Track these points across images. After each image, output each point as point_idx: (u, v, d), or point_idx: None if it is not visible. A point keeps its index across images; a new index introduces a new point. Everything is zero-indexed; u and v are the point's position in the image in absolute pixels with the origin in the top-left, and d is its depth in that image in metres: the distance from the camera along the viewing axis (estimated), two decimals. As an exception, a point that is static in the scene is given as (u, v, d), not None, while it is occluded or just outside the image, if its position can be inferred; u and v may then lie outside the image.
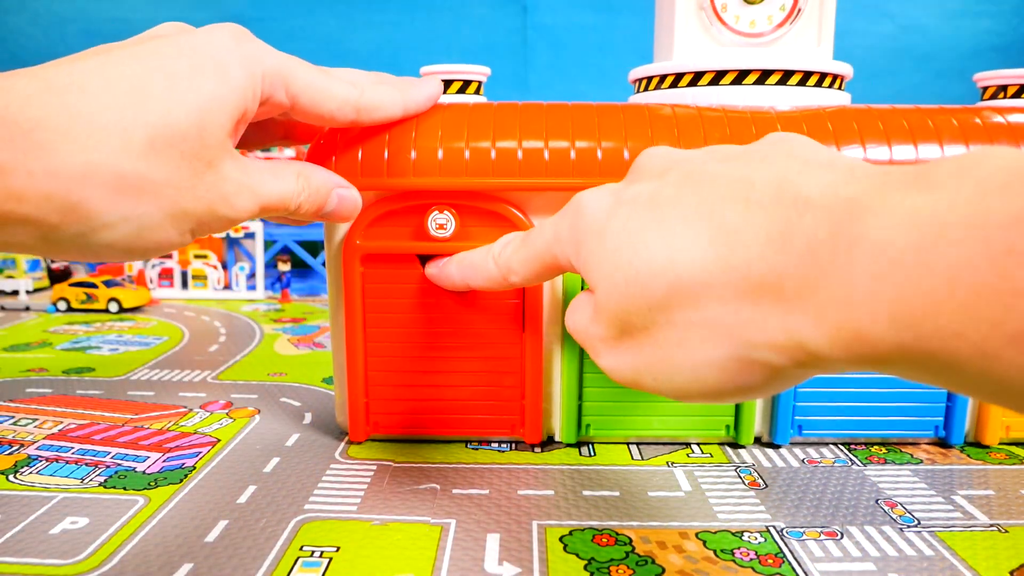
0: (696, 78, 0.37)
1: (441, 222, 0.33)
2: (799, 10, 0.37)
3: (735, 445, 0.37)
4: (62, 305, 0.71)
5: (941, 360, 0.15)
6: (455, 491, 0.32)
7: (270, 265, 0.89)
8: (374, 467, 0.34)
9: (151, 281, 0.79)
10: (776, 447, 0.37)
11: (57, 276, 0.84)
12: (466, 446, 0.37)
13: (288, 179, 0.28)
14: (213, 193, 0.25)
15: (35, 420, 0.40)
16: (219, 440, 0.37)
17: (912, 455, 0.36)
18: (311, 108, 0.28)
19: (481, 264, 0.29)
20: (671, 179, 0.22)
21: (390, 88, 0.31)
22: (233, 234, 0.80)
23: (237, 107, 0.25)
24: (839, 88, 0.38)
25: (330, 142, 0.33)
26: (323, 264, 0.86)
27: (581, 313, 0.24)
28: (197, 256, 0.79)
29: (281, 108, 0.28)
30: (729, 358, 0.19)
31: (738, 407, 0.36)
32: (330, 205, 0.30)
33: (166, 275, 0.79)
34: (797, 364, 0.18)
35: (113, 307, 0.71)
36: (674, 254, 0.20)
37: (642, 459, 0.35)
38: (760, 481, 0.33)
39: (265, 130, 0.33)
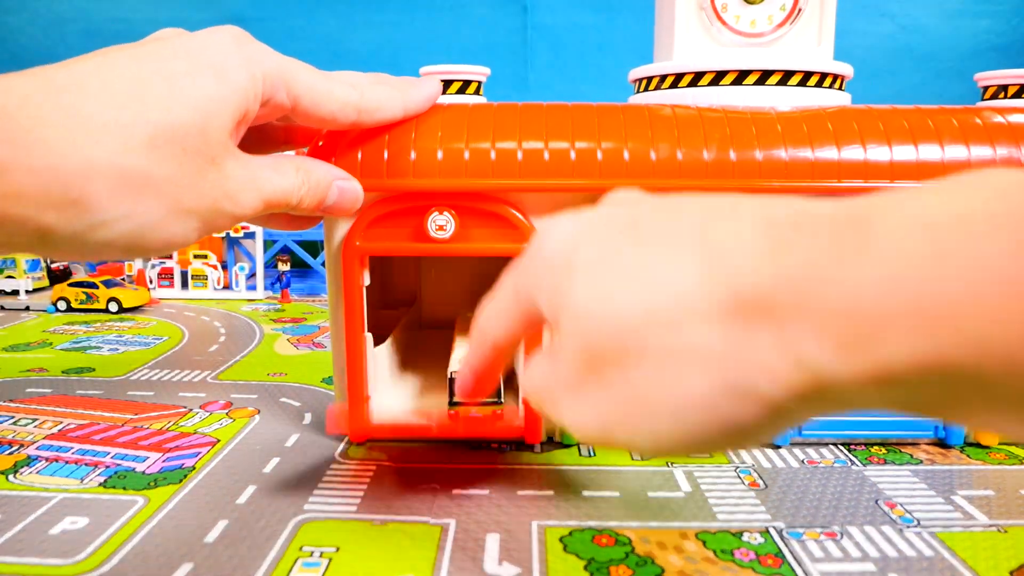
0: (696, 78, 0.37)
1: (441, 223, 0.33)
2: (799, 10, 0.37)
3: (735, 445, 0.37)
4: (62, 305, 0.71)
5: (963, 374, 0.13)
6: (455, 491, 0.32)
7: (270, 265, 0.89)
8: (374, 467, 0.34)
9: (151, 281, 0.79)
10: (776, 447, 0.37)
11: (57, 276, 0.84)
12: (467, 446, 0.37)
13: (288, 173, 0.27)
14: (217, 190, 0.25)
15: (35, 420, 0.40)
16: (219, 440, 0.37)
17: (912, 455, 0.36)
18: (312, 110, 0.28)
19: (472, 340, 0.26)
20: (644, 207, 0.20)
21: (390, 89, 0.31)
22: (233, 234, 0.80)
23: (238, 107, 0.25)
24: (839, 88, 0.38)
25: (329, 143, 0.33)
26: (323, 264, 0.86)
27: (537, 367, 0.21)
28: (197, 256, 0.79)
29: (282, 110, 0.28)
30: (716, 390, 0.16)
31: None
32: (331, 198, 0.30)
33: (166, 275, 0.79)
34: (797, 394, 0.15)
35: (113, 307, 0.71)
36: (654, 274, 0.18)
37: (642, 459, 0.35)
38: (760, 481, 0.33)
39: (266, 135, 0.33)
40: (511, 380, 0.39)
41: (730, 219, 0.18)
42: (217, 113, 0.24)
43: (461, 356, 0.35)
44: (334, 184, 0.30)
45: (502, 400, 0.35)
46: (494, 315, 0.24)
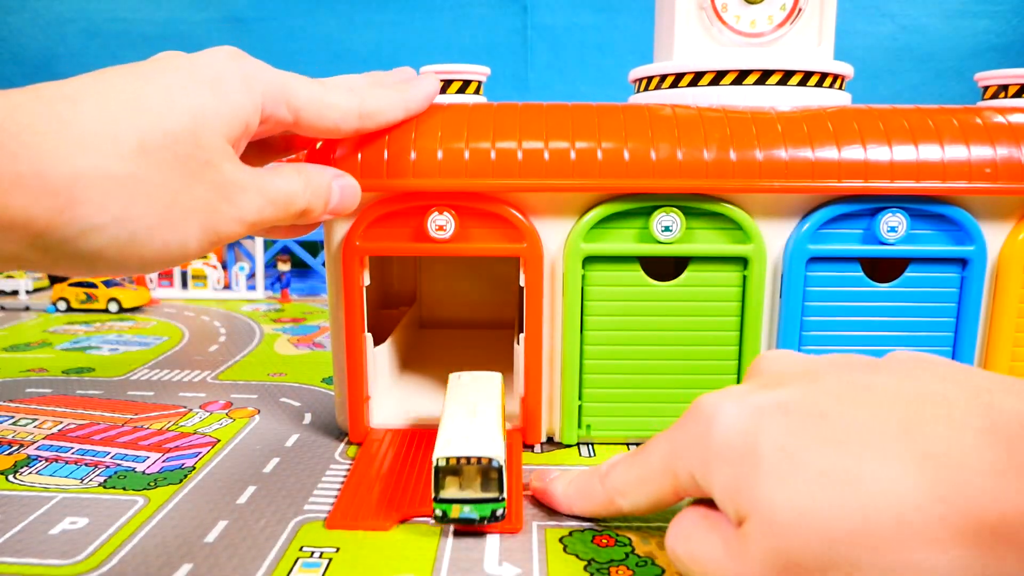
0: (696, 78, 0.37)
1: (441, 223, 0.33)
2: (799, 10, 0.37)
3: (735, 445, 0.37)
4: (62, 305, 0.71)
5: None
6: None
7: (270, 265, 0.89)
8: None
9: (151, 281, 0.79)
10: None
11: (57, 276, 0.84)
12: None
13: (290, 176, 0.27)
14: (214, 192, 0.24)
15: (35, 420, 0.40)
16: (219, 440, 0.37)
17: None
18: (315, 121, 0.28)
19: (587, 488, 0.27)
20: (825, 389, 0.19)
21: (389, 91, 0.31)
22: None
23: (235, 118, 0.25)
24: (839, 88, 0.38)
25: (328, 145, 0.33)
26: (323, 264, 0.86)
27: (706, 540, 0.20)
28: (197, 256, 0.79)
29: (284, 125, 0.28)
30: None
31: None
32: (334, 198, 0.29)
33: (166, 275, 0.79)
34: None
35: (113, 307, 0.71)
36: (863, 483, 0.16)
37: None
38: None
39: (267, 146, 0.33)
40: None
41: (945, 422, 0.16)
42: (212, 121, 0.24)
43: (450, 436, 0.28)
44: (333, 183, 0.30)
45: (504, 496, 0.27)
46: (635, 483, 0.23)
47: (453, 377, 0.34)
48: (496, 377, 0.34)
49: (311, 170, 0.29)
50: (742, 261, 0.34)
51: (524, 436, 0.36)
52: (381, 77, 0.32)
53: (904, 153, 0.32)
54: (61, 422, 0.40)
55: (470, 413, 0.30)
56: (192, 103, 0.24)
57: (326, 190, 0.29)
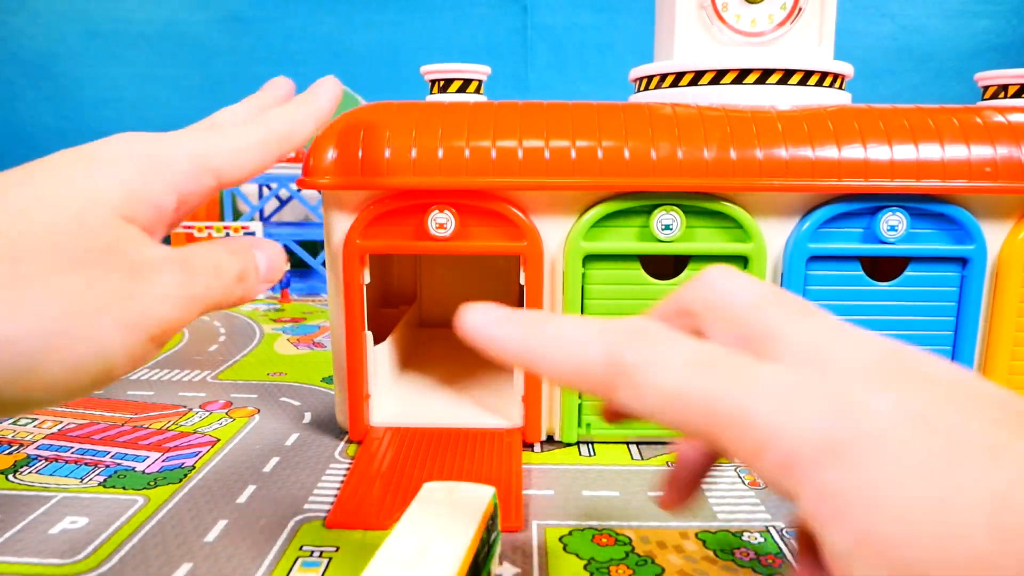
0: (697, 77, 0.37)
1: (441, 221, 0.33)
2: (800, 9, 0.37)
3: (735, 445, 0.37)
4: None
5: None
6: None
7: (270, 265, 0.89)
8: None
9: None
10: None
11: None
12: (466, 446, 0.37)
13: (208, 245, 0.24)
14: (127, 279, 0.21)
15: (34, 420, 0.40)
16: (219, 440, 0.37)
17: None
18: (239, 172, 0.25)
19: (574, 339, 0.19)
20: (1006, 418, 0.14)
21: (291, 107, 0.28)
22: (233, 233, 0.80)
23: (136, 199, 0.22)
24: (840, 87, 0.38)
25: (323, 142, 0.33)
26: (323, 264, 0.86)
27: None
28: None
29: (210, 190, 0.25)
30: None
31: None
32: (261, 264, 0.26)
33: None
34: None
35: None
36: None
37: (642, 459, 0.35)
38: (760, 481, 0.33)
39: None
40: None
41: None
42: (107, 202, 0.21)
43: None
44: (255, 252, 0.26)
45: None
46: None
47: (425, 489, 0.24)
48: (483, 496, 0.24)
49: (231, 241, 0.26)
50: (742, 260, 0.34)
51: (524, 435, 0.36)
52: (262, 99, 0.29)
53: (904, 152, 0.32)
54: (61, 422, 0.40)
55: (414, 557, 0.21)
56: (77, 189, 0.21)
57: (249, 253, 0.26)
